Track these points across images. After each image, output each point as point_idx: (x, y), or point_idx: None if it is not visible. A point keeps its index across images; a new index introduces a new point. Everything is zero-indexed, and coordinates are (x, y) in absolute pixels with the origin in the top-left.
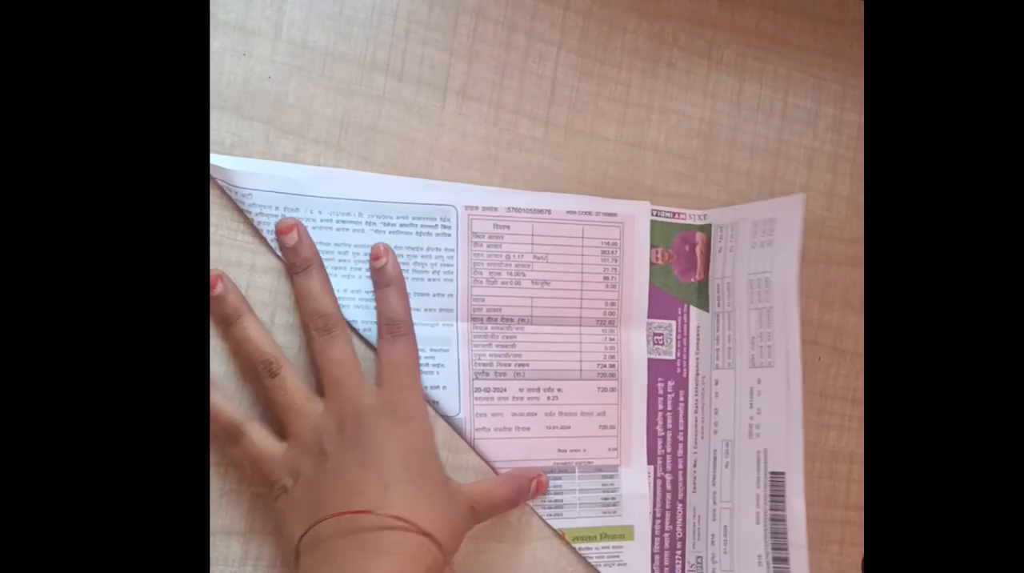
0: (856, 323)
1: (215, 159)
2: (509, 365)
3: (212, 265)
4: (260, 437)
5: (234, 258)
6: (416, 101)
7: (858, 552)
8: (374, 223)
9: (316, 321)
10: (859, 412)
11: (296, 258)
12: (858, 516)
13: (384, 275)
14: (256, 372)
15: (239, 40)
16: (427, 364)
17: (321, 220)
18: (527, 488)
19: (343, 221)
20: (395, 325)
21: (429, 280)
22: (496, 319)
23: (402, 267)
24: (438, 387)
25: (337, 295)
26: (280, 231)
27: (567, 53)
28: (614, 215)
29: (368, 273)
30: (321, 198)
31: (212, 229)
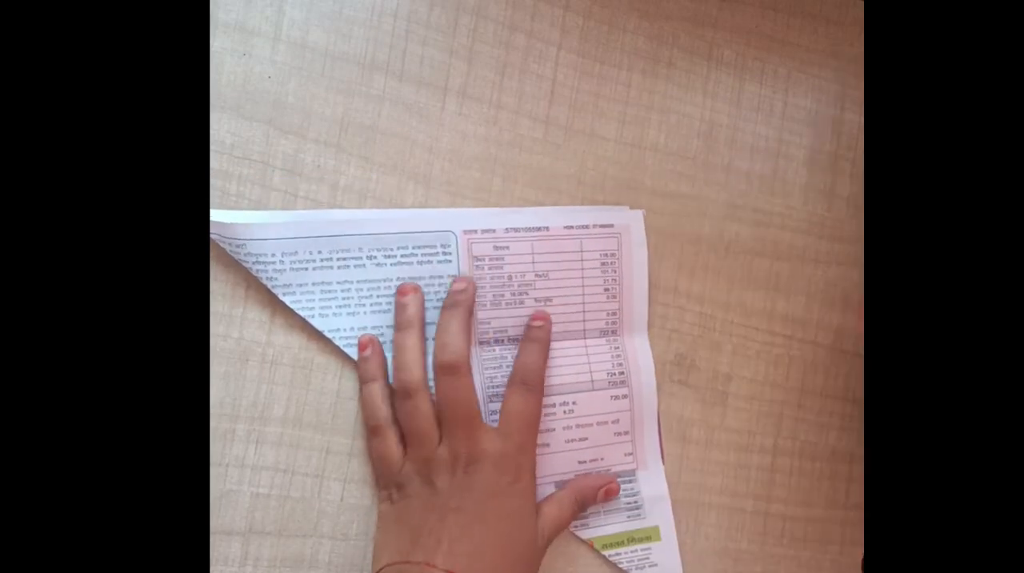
0: (856, 323)
1: (212, 214)
2: None
3: (212, 264)
4: (392, 442)
5: (234, 258)
6: (416, 101)
7: (858, 552)
8: (375, 257)
9: (445, 357)
10: (859, 412)
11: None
12: (858, 516)
13: (536, 333)
14: (397, 394)
15: (239, 40)
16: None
17: (321, 260)
18: (592, 498)
19: (344, 258)
20: (529, 378)
21: (434, 308)
22: (503, 341)
23: None
24: None
25: (342, 333)
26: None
27: (567, 53)
28: (611, 226)
29: (373, 309)
30: (319, 238)
31: None
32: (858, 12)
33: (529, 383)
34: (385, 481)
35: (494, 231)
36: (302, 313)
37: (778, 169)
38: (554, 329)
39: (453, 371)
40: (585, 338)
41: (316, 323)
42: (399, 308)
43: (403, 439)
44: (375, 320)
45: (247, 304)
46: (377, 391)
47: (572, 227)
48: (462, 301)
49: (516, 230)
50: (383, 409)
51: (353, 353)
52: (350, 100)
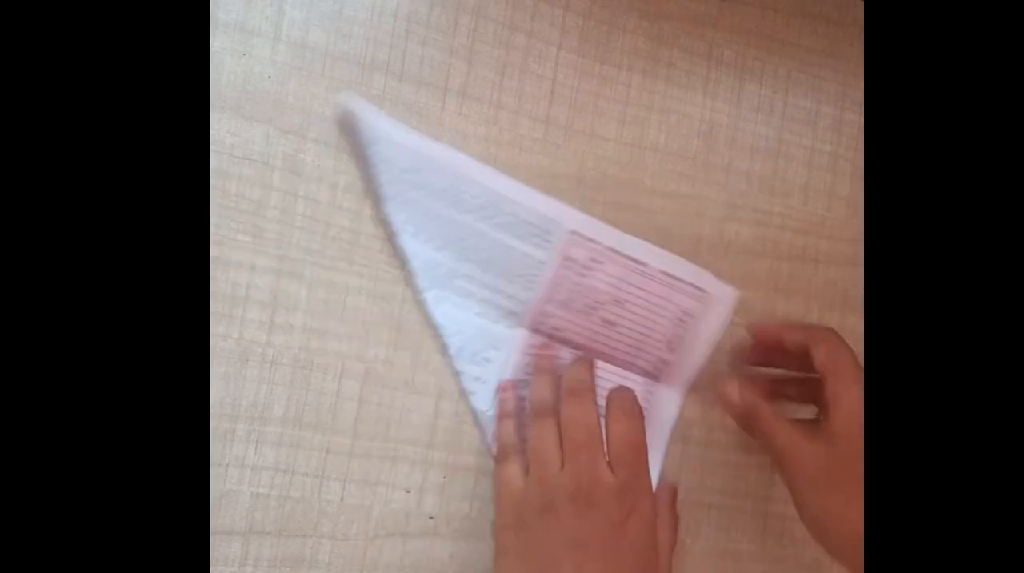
0: (856, 323)
1: (350, 97)
2: None
3: (212, 264)
4: (516, 467)
5: (234, 258)
6: (416, 101)
7: None
8: (485, 210)
9: (570, 383)
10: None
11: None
12: None
13: (545, 361)
14: (531, 414)
15: (239, 40)
16: (477, 355)
17: (439, 189)
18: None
19: (456, 197)
20: (627, 403)
21: (510, 281)
22: (554, 338)
23: (489, 260)
24: (479, 379)
25: (418, 261)
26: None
27: (567, 53)
28: (703, 291)
29: (458, 255)
30: (445, 170)
31: (212, 229)
32: (858, 12)
33: (628, 409)
34: (504, 507)
35: (598, 244)
36: (394, 225)
37: (778, 169)
38: (603, 350)
39: (577, 394)
40: (627, 369)
41: (401, 240)
42: (538, 358)
43: (527, 467)
44: (454, 263)
45: (247, 304)
46: (511, 426)
47: (668, 275)
48: (589, 365)
49: (618, 253)
50: (514, 439)
51: (417, 280)
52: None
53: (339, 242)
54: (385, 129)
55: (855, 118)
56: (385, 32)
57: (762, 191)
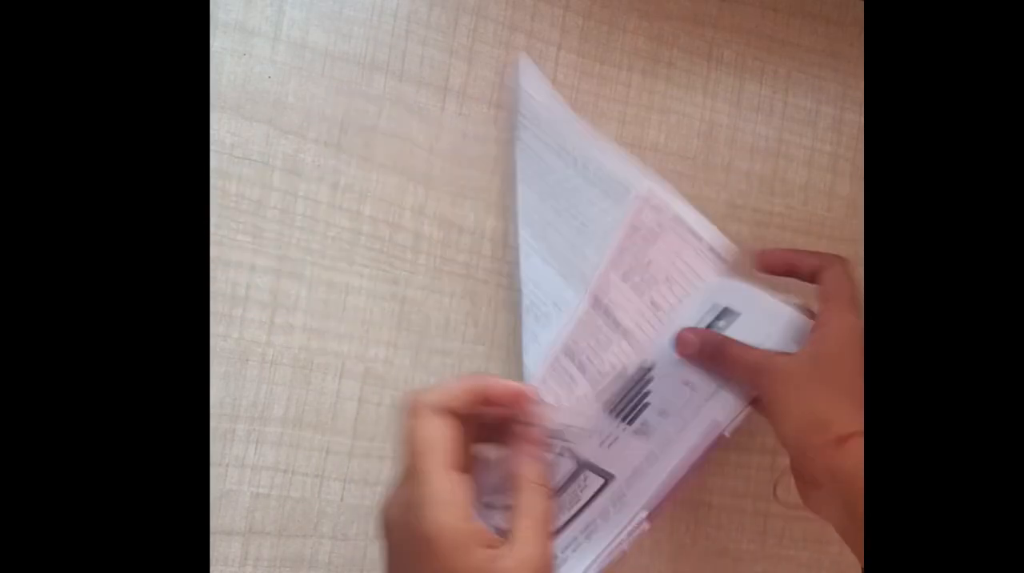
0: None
1: (523, 58)
2: (590, 364)
3: (212, 264)
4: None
5: (234, 258)
6: (416, 101)
7: (858, 552)
8: (577, 161)
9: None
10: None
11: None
12: None
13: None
14: None
15: (239, 40)
16: (541, 313)
17: (551, 141)
18: (539, 460)
19: (559, 147)
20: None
21: (587, 239)
22: (608, 316)
23: (575, 212)
24: (536, 337)
25: (526, 210)
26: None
27: (567, 53)
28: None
29: (552, 202)
30: (563, 125)
31: (212, 229)
32: (858, 12)
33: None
34: None
35: (663, 211)
36: (515, 167)
37: (778, 169)
38: (645, 340)
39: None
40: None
41: (515, 184)
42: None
43: None
44: (551, 215)
45: (247, 304)
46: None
47: (716, 251)
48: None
49: (681, 222)
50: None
51: (519, 227)
52: (350, 100)
53: (339, 242)
54: (533, 86)
55: (855, 118)
56: (385, 32)
57: (762, 191)
